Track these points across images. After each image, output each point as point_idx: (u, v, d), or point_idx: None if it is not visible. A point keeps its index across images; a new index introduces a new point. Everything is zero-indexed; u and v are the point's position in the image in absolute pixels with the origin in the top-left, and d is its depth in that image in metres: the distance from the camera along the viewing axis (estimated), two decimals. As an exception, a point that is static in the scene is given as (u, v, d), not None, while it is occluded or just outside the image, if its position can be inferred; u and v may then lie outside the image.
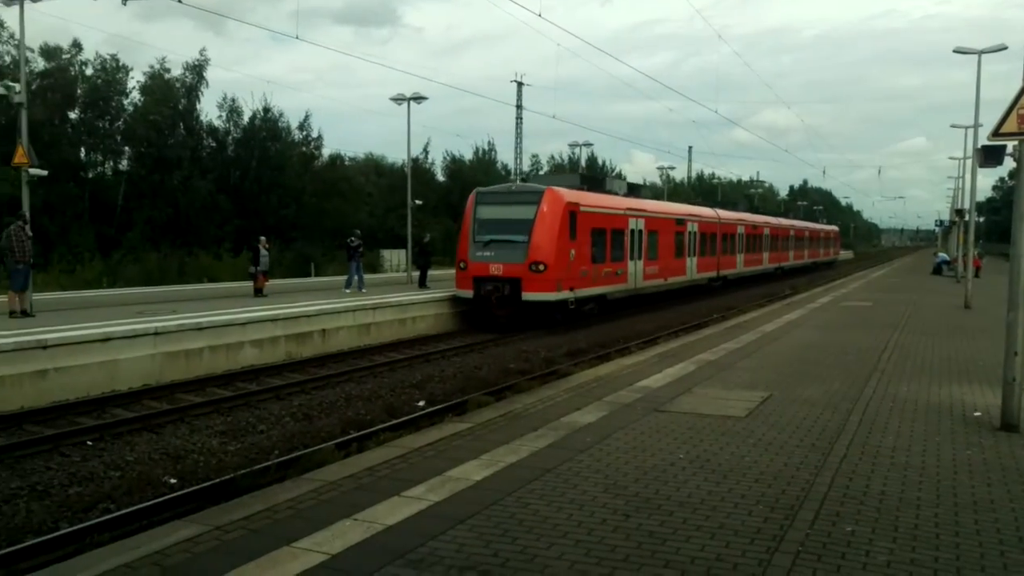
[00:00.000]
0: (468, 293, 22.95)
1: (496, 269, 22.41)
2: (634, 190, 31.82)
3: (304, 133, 52.89)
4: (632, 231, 27.42)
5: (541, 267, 21.96)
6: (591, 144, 65.02)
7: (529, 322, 22.79)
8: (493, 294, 22.30)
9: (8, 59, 39.84)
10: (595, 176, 30.58)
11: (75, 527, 7.72)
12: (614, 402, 10.28)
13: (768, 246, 49.29)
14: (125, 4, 19.29)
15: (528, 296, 22.14)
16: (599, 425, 9.01)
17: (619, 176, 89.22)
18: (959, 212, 42.98)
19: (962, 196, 48.13)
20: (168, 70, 45.95)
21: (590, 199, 24.99)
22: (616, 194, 28.67)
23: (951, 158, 77.43)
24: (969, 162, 35.40)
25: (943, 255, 53.08)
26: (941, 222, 69.54)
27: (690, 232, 34.07)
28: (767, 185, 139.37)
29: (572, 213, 23.02)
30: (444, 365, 16.74)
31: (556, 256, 22.20)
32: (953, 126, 38.35)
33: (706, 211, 39.01)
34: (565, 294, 22.70)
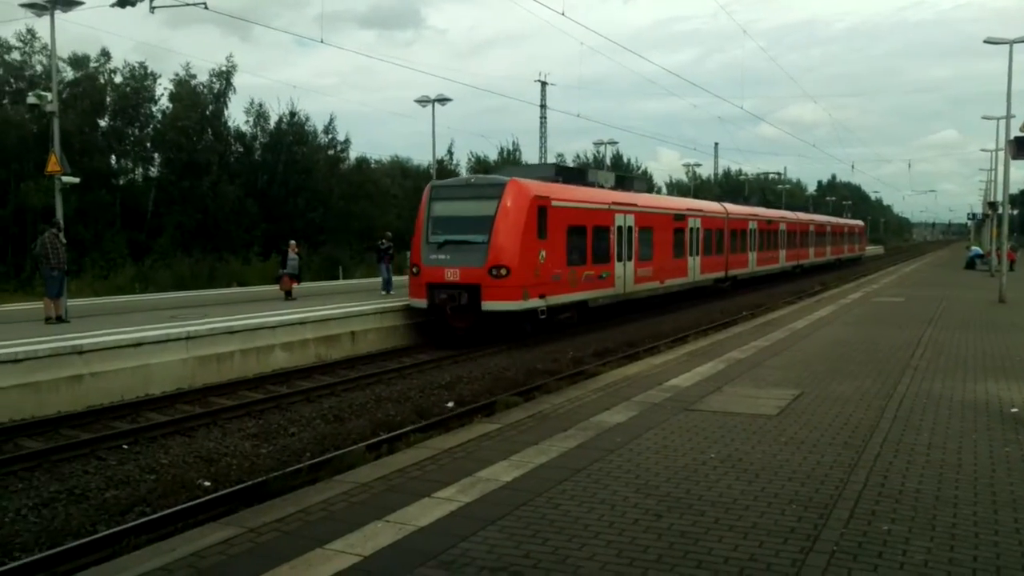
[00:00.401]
0: (421, 302, 19.86)
1: (452, 274, 19.42)
2: (624, 182, 28.52)
3: (330, 136, 53.30)
4: (619, 228, 24.33)
5: (503, 271, 18.99)
6: (616, 142, 64.87)
7: (493, 335, 20.00)
8: (448, 303, 19.26)
9: (40, 68, 40.56)
10: (574, 167, 25.70)
11: (112, 530, 7.83)
12: (644, 402, 10.23)
13: (784, 243, 45.07)
14: (153, 12, 19.50)
15: (488, 305, 19.12)
16: (629, 425, 8.97)
17: (644, 174, 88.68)
18: (992, 205, 42.34)
19: (995, 188, 47.51)
20: (194, 76, 46.56)
21: (565, 192, 22.06)
22: (601, 187, 25.44)
23: (983, 150, 75.85)
24: (1001, 154, 34.81)
25: (976, 249, 52.34)
26: (973, 215, 68.55)
27: (692, 229, 30.83)
28: (795, 181, 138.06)
29: (541, 208, 20.15)
30: (472, 367, 16.77)
31: (521, 258, 19.26)
32: (985, 118, 37.47)
33: (711, 206, 36.17)
34: (533, 302, 19.74)
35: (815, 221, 55.30)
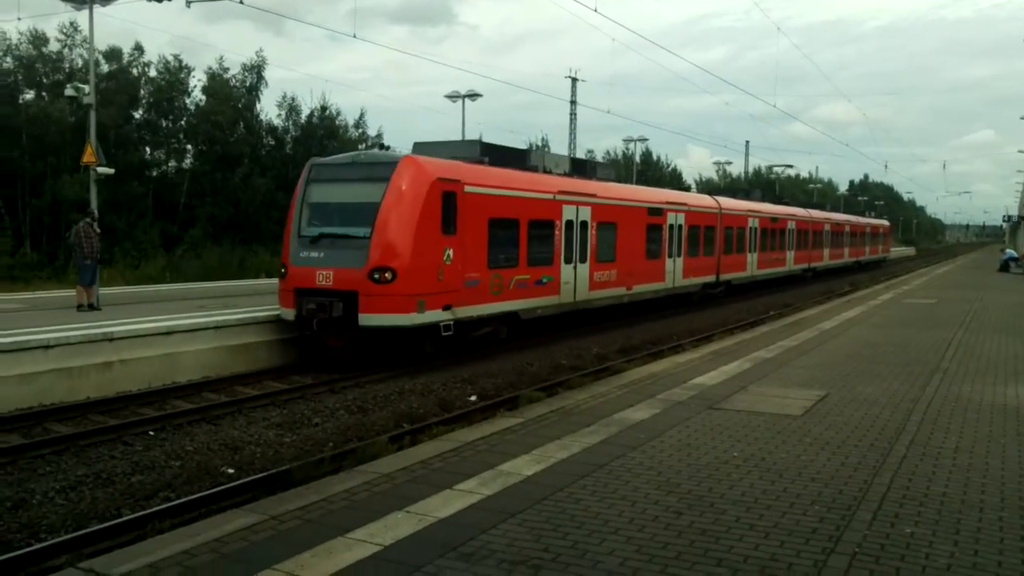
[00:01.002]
0: (289, 313, 15.50)
1: (324, 278, 15.02)
2: (584, 168, 23.38)
3: (360, 131, 53.53)
4: (569, 223, 19.88)
5: (388, 275, 14.64)
6: (646, 139, 64.47)
7: (382, 357, 15.84)
8: (317, 315, 14.93)
9: (80, 62, 41.20)
10: (510, 147, 20.51)
11: (137, 514, 7.94)
12: (667, 399, 10.19)
13: (793, 243, 39.79)
14: (189, 6, 19.71)
15: (368, 319, 14.66)
16: (652, 422, 8.94)
17: (674, 171, 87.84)
18: (1028, 207, 41.59)
19: (1032, 190, 46.53)
20: (227, 69, 47.03)
21: (486, 176, 17.41)
22: (548, 172, 20.56)
23: (1020, 151, 74.61)
24: (1039, 155, 34.16)
25: (1011, 251, 51.53)
26: (1009, 218, 67.36)
27: (673, 226, 26.11)
28: (826, 180, 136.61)
29: (448, 195, 15.73)
30: (494, 360, 16.79)
31: (414, 258, 14.92)
32: (1023, 118, 36.93)
33: (699, 199, 31.38)
34: (432, 315, 15.37)
35: (831, 219, 49.32)
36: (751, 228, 33.50)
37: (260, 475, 9.15)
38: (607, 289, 21.99)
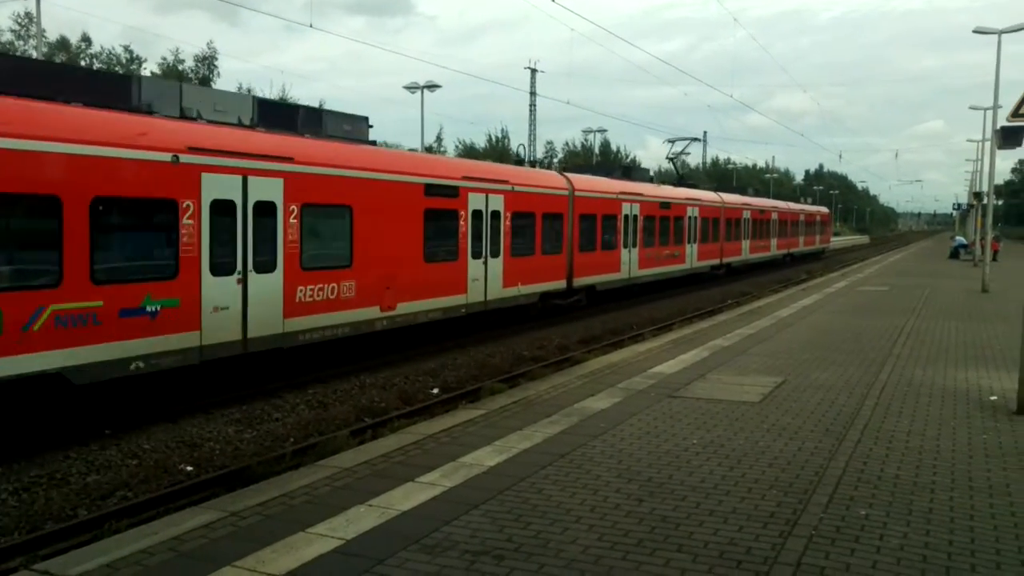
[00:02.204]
0: None
1: None
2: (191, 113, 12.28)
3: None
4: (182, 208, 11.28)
5: None
6: (605, 130, 64.65)
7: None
8: None
9: (35, 54, 40.23)
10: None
11: (93, 514, 7.82)
12: (628, 388, 10.28)
13: (696, 234, 31.85)
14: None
15: None
16: (613, 411, 9.01)
17: (633, 162, 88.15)
18: (977, 195, 42.60)
19: (980, 179, 47.79)
20: (183, 61, 46.27)
21: None
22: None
23: (969, 141, 76.27)
24: (988, 144, 35.00)
25: (960, 239, 52.66)
26: (959, 205, 68.88)
27: (482, 214, 17.94)
28: (783, 170, 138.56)
29: None
30: (457, 353, 16.77)
31: None
32: (972, 108, 37.70)
33: (533, 176, 21.75)
34: None
35: (752, 205, 41.02)
36: (627, 216, 25.47)
37: (219, 472, 9.06)
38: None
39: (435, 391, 13.28)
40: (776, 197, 65.35)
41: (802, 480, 6.58)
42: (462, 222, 17.46)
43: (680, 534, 5.45)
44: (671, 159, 37.10)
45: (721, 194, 37.40)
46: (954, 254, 48.61)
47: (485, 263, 18.23)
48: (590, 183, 24.31)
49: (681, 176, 37.29)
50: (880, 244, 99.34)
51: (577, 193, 22.55)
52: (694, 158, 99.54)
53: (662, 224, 28.40)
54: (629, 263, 25.74)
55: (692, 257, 31.57)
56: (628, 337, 18.44)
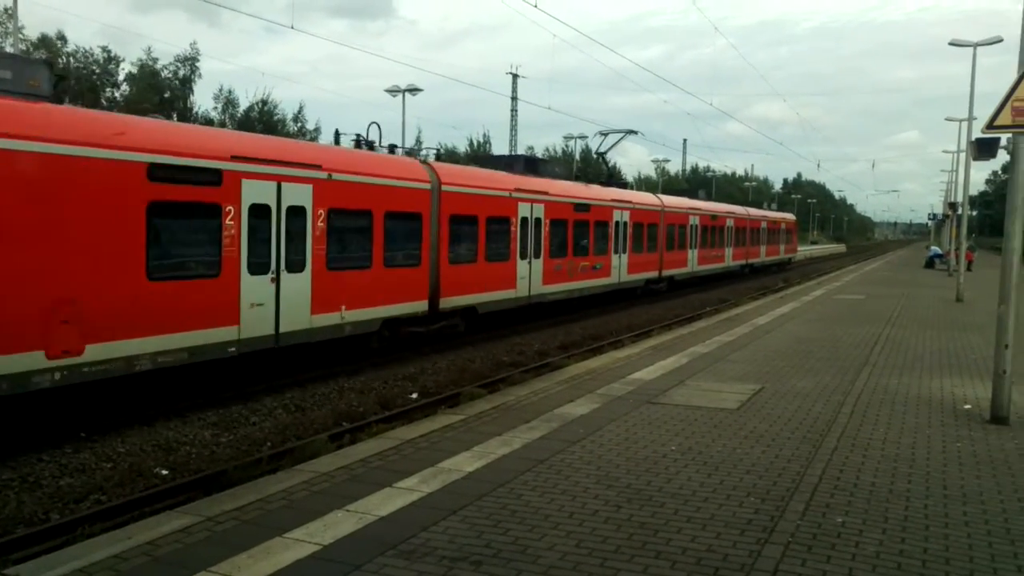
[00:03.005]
0: None
1: None
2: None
3: (299, 125, 52.92)
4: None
5: None
6: (586, 136, 64.80)
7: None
8: None
9: (11, 50, 39.83)
10: None
11: (66, 518, 7.72)
12: (607, 394, 10.30)
13: (625, 242, 26.96)
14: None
15: None
16: (591, 417, 9.03)
17: (613, 168, 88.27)
18: (952, 206, 43.17)
19: (955, 189, 48.42)
20: (156, 59, 45.99)
21: None
22: None
23: (945, 151, 77.24)
24: (963, 155, 35.47)
25: (936, 249, 53.33)
26: (934, 216, 69.72)
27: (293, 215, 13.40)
28: (762, 178, 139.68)
29: None
30: (437, 358, 16.74)
31: None
32: (948, 119, 38.21)
33: (338, 156, 15.26)
34: None
35: (702, 210, 36.11)
36: (525, 219, 20.61)
37: (195, 476, 8.97)
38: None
39: (414, 396, 13.24)
40: (755, 205, 64.49)
41: (779, 487, 6.62)
42: (229, 221, 12.19)
43: (658, 541, 5.46)
44: (600, 154, 31.67)
45: (662, 196, 32.78)
46: (929, 264, 49.19)
47: (276, 280, 12.96)
48: (466, 176, 19.17)
49: (611, 175, 31.42)
50: (857, 253, 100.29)
51: (445, 188, 17.20)
52: (674, 165, 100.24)
53: (578, 230, 23.55)
54: (529, 278, 20.90)
55: (620, 269, 26.65)
56: (608, 343, 18.49)
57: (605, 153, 31.40)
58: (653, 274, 29.84)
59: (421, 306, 16.65)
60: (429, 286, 16.92)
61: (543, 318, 22.28)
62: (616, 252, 26.32)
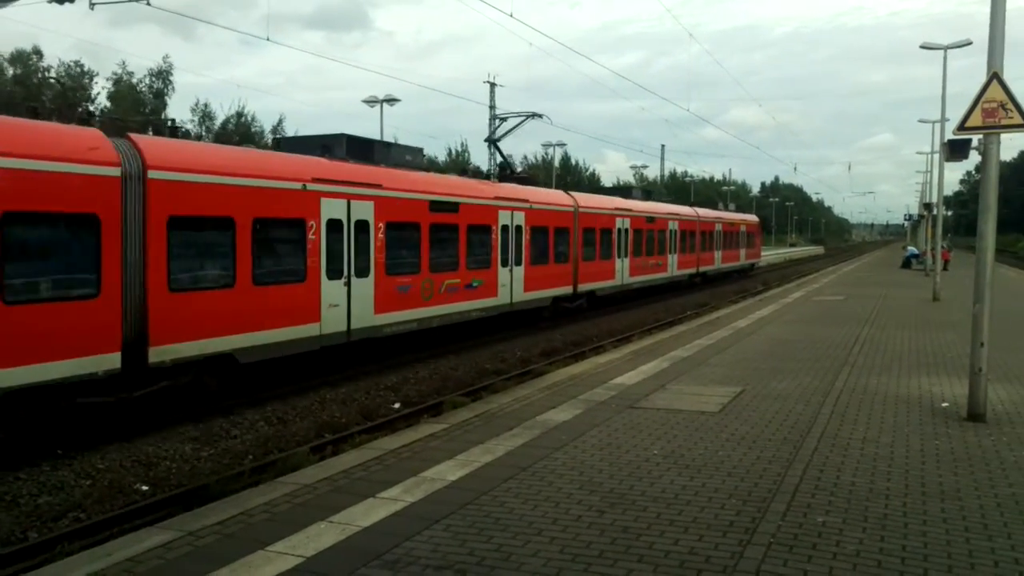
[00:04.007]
0: None
1: None
2: None
3: (277, 136, 52.68)
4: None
5: None
6: (564, 144, 64.96)
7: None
8: None
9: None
10: None
11: (45, 537, 7.63)
12: (589, 400, 10.32)
13: (520, 251, 21.41)
14: (92, 8, 19.00)
15: None
16: (574, 423, 9.05)
17: (592, 176, 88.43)
18: (927, 206, 43.65)
19: (930, 190, 48.93)
20: (132, 74, 45.77)
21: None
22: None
23: (919, 153, 78.40)
24: (936, 156, 35.92)
25: (912, 249, 53.87)
26: (910, 216, 70.42)
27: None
28: (740, 182, 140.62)
29: None
30: (419, 367, 16.71)
31: None
32: (921, 121, 38.68)
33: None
34: None
35: (634, 211, 30.01)
36: (336, 223, 14.71)
37: (176, 491, 8.91)
38: None
39: (396, 406, 13.20)
40: (736, 210, 63.35)
41: (760, 489, 6.66)
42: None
43: (641, 545, 5.48)
44: (492, 142, 26.40)
45: (576, 194, 26.36)
46: (906, 264, 49.69)
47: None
48: (194, 155, 12.67)
49: (512, 170, 26.42)
50: (835, 254, 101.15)
51: (154, 175, 11.31)
52: (652, 171, 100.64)
53: (439, 237, 17.95)
54: (348, 304, 14.92)
55: (511, 286, 20.64)
56: (589, 349, 18.53)
57: (499, 140, 26.13)
58: (564, 290, 23.94)
59: (110, 363, 10.70)
60: (122, 330, 10.94)
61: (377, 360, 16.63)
62: (505, 265, 20.48)
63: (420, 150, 19.68)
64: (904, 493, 6.58)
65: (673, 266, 34.15)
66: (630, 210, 29.51)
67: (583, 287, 25.18)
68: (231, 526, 5.91)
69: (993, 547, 5.46)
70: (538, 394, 10.83)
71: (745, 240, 48.31)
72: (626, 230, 28.59)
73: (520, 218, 21.32)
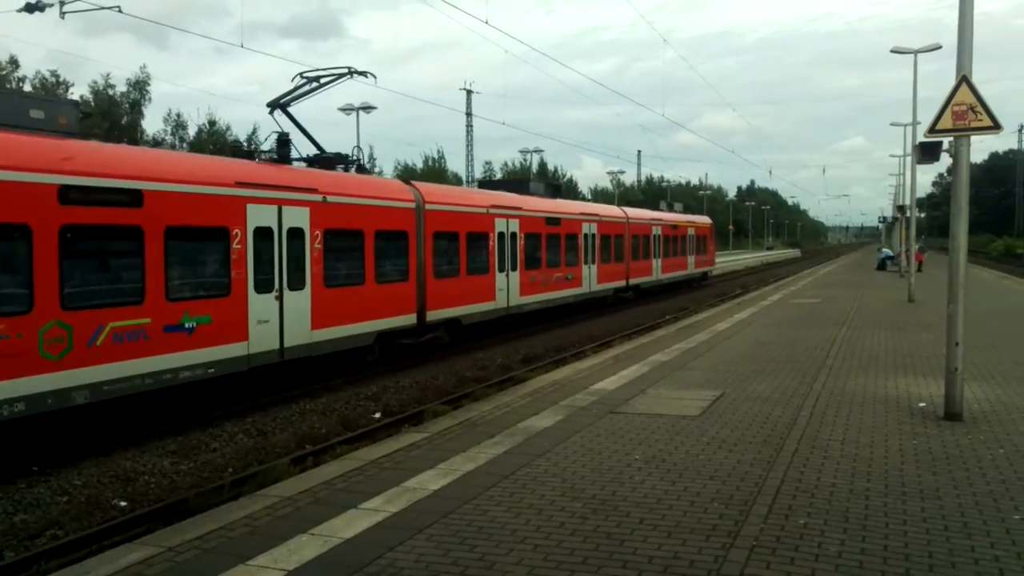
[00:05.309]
0: None
1: None
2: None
3: (252, 146, 52.41)
4: None
5: None
6: (542, 150, 65.11)
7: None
8: None
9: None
10: None
11: (21, 556, 7.50)
12: (570, 406, 10.33)
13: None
14: (63, 17, 18.84)
15: None
16: (556, 429, 9.04)
17: (569, 182, 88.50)
18: (901, 208, 44.18)
19: (903, 193, 49.55)
20: (113, 86, 45.41)
21: None
22: None
23: (891, 155, 79.30)
24: (908, 159, 36.36)
25: (887, 251, 54.46)
26: (884, 219, 71.18)
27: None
28: (716, 186, 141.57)
29: None
30: (400, 376, 16.64)
31: None
32: (892, 124, 39.26)
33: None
34: None
35: (539, 210, 24.13)
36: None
37: (155, 506, 8.79)
38: None
39: (377, 416, 13.13)
40: (710, 214, 61.75)
41: (742, 491, 6.69)
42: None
43: (625, 550, 5.48)
44: (280, 106, 16.80)
45: (421, 185, 19.77)
46: (881, 265, 50.18)
47: None
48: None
49: (282, 142, 15.79)
50: (811, 257, 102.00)
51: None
52: (629, 176, 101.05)
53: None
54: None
55: (265, 333, 13.47)
56: (570, 354, 18.54)
57: (288, 106, 16.95)
58: (401, 320, 17.17)
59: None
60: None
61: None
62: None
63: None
64: (884, 493, 6.63)
65: (591, 279, 27.58)
66: (519, 208, 22.79)
67: (435, 315, 18.40)
68: (211, 540, 5.84)
69: (973, 545, 5.52)
70: (520, 401, 10.81)
71: (694, 245, 40.93)
72: (514, 234, 22.24)
73: (305, 217, 14.50)
